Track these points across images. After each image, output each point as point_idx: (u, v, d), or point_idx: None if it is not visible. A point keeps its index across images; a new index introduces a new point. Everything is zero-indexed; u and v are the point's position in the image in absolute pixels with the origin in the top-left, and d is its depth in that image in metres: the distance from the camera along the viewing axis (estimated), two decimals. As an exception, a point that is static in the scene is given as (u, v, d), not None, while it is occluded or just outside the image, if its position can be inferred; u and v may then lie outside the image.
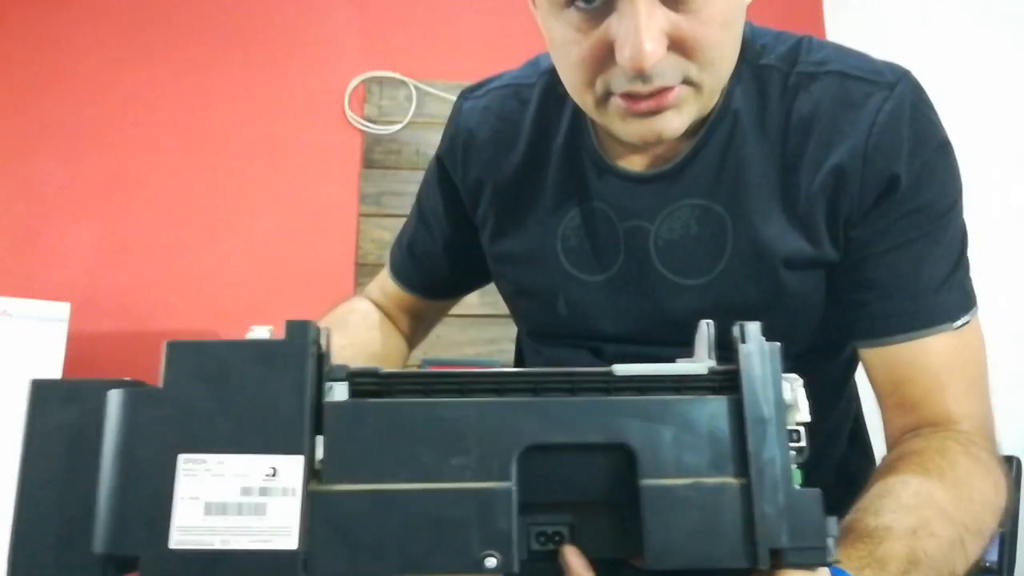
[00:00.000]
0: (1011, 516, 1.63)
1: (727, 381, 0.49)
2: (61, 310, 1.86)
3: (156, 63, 2.21)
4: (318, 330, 0.46)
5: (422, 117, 2.22)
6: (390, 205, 2.18)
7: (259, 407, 0.43)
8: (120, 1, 2.23)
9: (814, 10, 2.41)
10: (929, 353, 0.74)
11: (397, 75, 2.24)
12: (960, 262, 0.76)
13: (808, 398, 0.83)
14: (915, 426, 0.74)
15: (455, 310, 1.08)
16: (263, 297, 2.14)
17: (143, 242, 2.14)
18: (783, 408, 0.47)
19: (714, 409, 0.47)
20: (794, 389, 0.50)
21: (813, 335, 0.80)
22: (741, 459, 0.46)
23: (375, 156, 2.22)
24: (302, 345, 0.44)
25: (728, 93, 0.77)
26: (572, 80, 0.73)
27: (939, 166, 0.74)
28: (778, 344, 0.48)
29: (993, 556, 1.62)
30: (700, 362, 0.50)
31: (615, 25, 0.65)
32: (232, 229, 2.17)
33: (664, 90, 0.68)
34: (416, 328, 1.05)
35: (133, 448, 0.43)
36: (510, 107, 0.88)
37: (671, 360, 0.81)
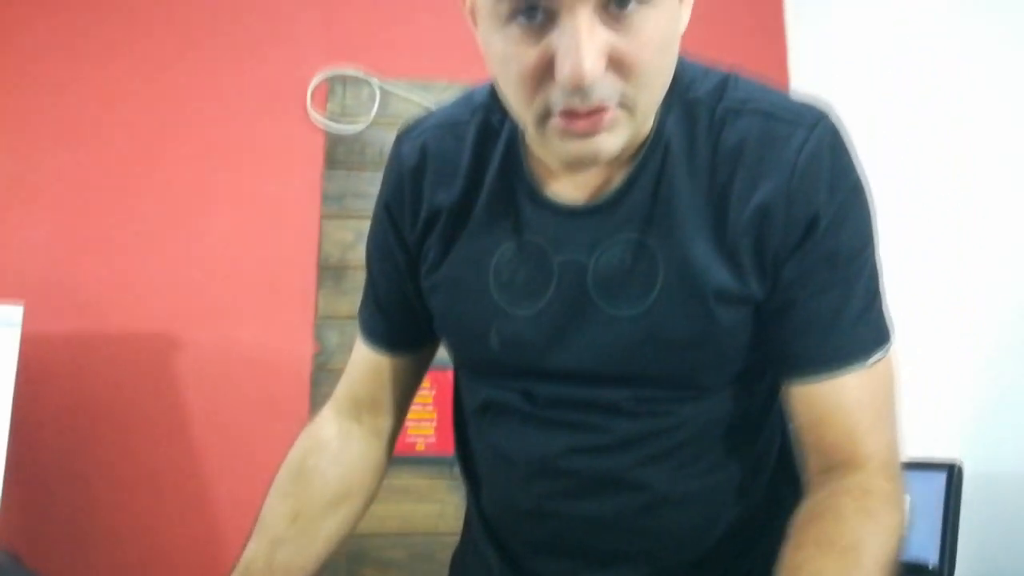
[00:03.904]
0: (952, 522, 1.70)
1: None
2: (14, 314, 1.81)
3: (114, 56, 2.18)
4: None
5: (386, 117, 2.19)
6: (353, 206, 2.17)
7: None
8: (79, -5, 2.17)
9: (775, 23, 2.43)
10: (842, 392, 0.78)
11: (360, 73, 2.21)
12: (874, 300, 0.80)
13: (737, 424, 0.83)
14: (827, 467, 0.79)
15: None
16: (223, 298, 2.12)
17: (99, 240, 2.11)
18: None
19: None
20: None
21: (740, 367, 0.83)
22: None
23: (338, 156, 2.20)
24: None
25: (660, 122, 0.79)
26: (513, 95, 0.74)
27: (854, 207, 0.78)
28: None
29: (934, 559, 1.70)
30: None
31: (556, 40, 0.67)
32: (191, 228, 2.14)
33: (600, 110, 0.69)
34: (396, 417, 1.03)
35: None
36: (447, 145, 0.89)
37: (602, 404, 0.82)
